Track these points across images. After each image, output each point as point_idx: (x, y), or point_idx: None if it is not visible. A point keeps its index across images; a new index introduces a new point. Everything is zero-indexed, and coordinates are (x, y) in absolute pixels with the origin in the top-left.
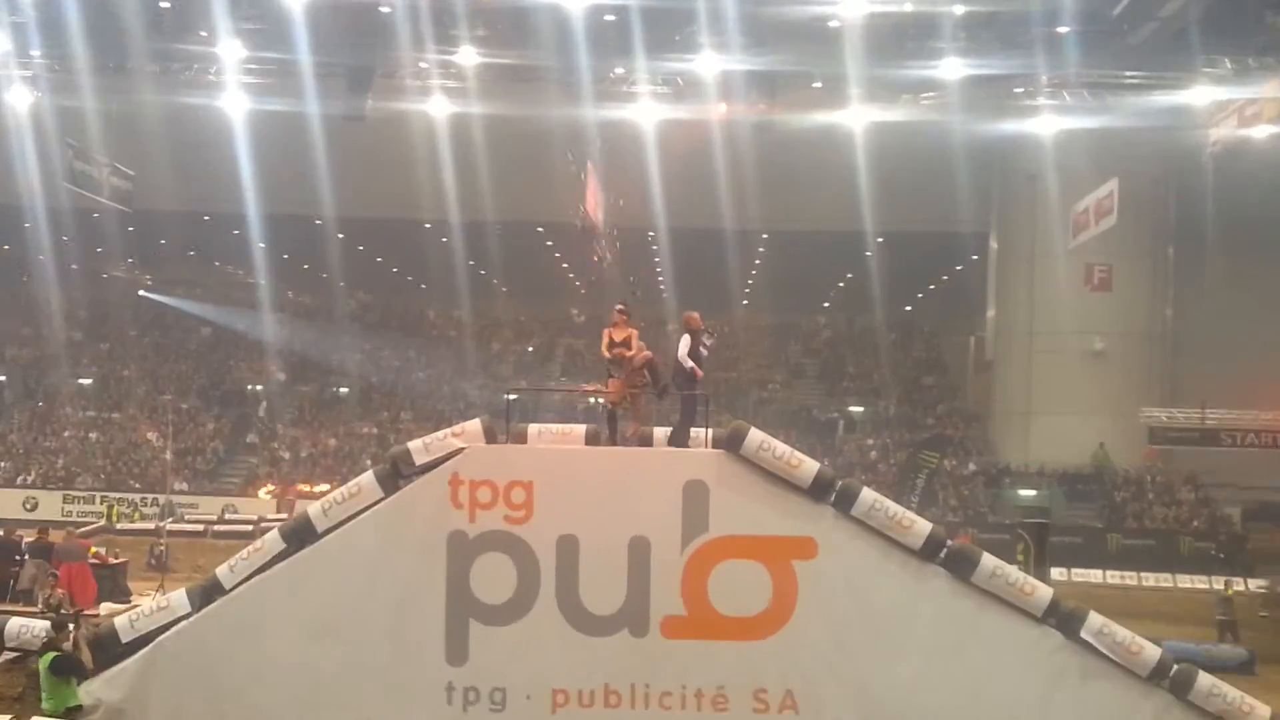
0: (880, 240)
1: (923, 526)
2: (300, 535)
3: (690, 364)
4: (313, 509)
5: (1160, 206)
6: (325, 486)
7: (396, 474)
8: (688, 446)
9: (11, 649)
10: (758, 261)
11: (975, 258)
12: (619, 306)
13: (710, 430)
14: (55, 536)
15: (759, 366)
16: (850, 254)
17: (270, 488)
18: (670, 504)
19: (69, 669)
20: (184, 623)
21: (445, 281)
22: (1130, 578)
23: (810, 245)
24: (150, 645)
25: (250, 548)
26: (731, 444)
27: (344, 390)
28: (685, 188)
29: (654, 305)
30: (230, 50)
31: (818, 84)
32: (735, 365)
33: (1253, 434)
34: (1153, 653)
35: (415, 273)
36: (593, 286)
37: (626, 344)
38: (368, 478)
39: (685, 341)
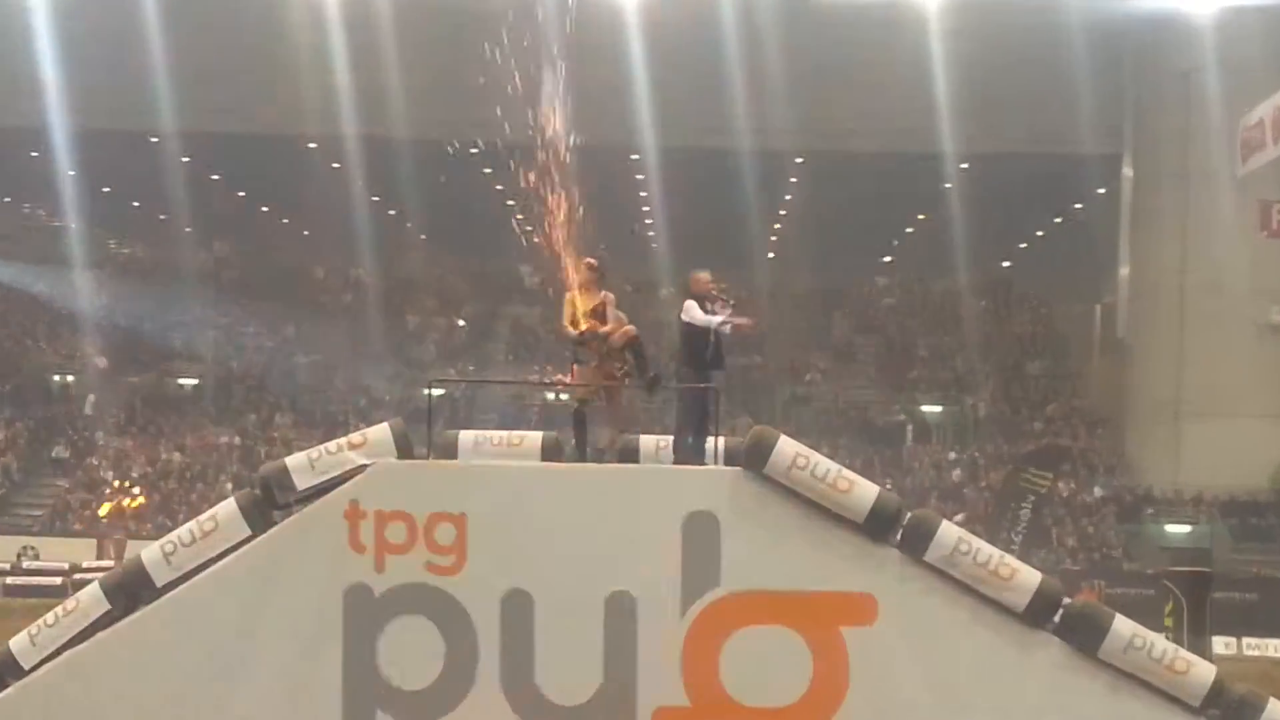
0: (965, 167)
1: (1028, 578)
2: (132, 592)
3: (708, 334)
4: (149, 554)
5: None
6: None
7: (269, 504)
8: (692, 463)
9: None
10: (789, 198)
11: (1102, 192)
12: (589, 261)
13: (722, 439)
14: None
15: (792, 348)
16: (923, 186)
17: (108, 509)
18: (665, 546)
19: None
20: None
21: (338, 226)
22: None
23: (866, 174)
24: None
25: (59, 609)
26: (753, 459)
27: (192, 382)
28: (685, 90)
29: (640, 260)
30: None
31: None
32: (758, 347)
33: None
34: None
35: (295, 213)
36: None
37: (600, 315)
38: (228, 509)
39: (689, 310)
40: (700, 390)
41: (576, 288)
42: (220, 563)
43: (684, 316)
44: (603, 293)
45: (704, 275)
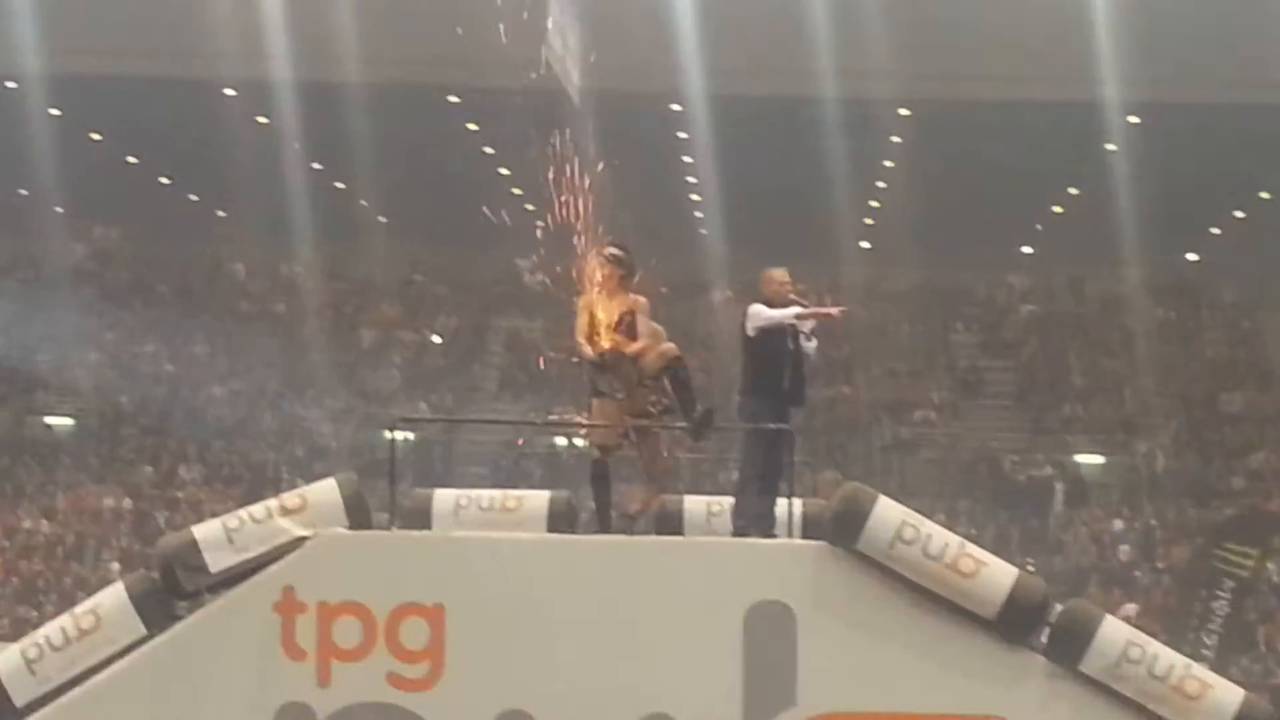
0: (1135, 121)
1: (1225, 697)
2: None
3: (782, 353)
4: (6, 662)
5: None
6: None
7: (171, 592)
8: (759, 534)
9: None
10: (889, 165)
11: None
12: (611, 251)
13: (799, 502)
14: None
15: (895, 375)
16: (1076, 148)
17: None
18: (720, 651)
19: None
20: None
21: (267, 205)
22: None
23: (995, 131)
24: None
25: None
26: (842, 530)
27: (66, 423)
28: (744, 19)
29: (682, 252)
30: None
31: None
32: (847, 373)
33: None
34: None
35: (206, 188)
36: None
37: (629, 328)
38: (115, 600)
39: (756, 315)
40: (771, 433)
41: (595, 291)
42: (104, 673)
43: (748, 326)
44: (631, 297)
45: (778, 273)
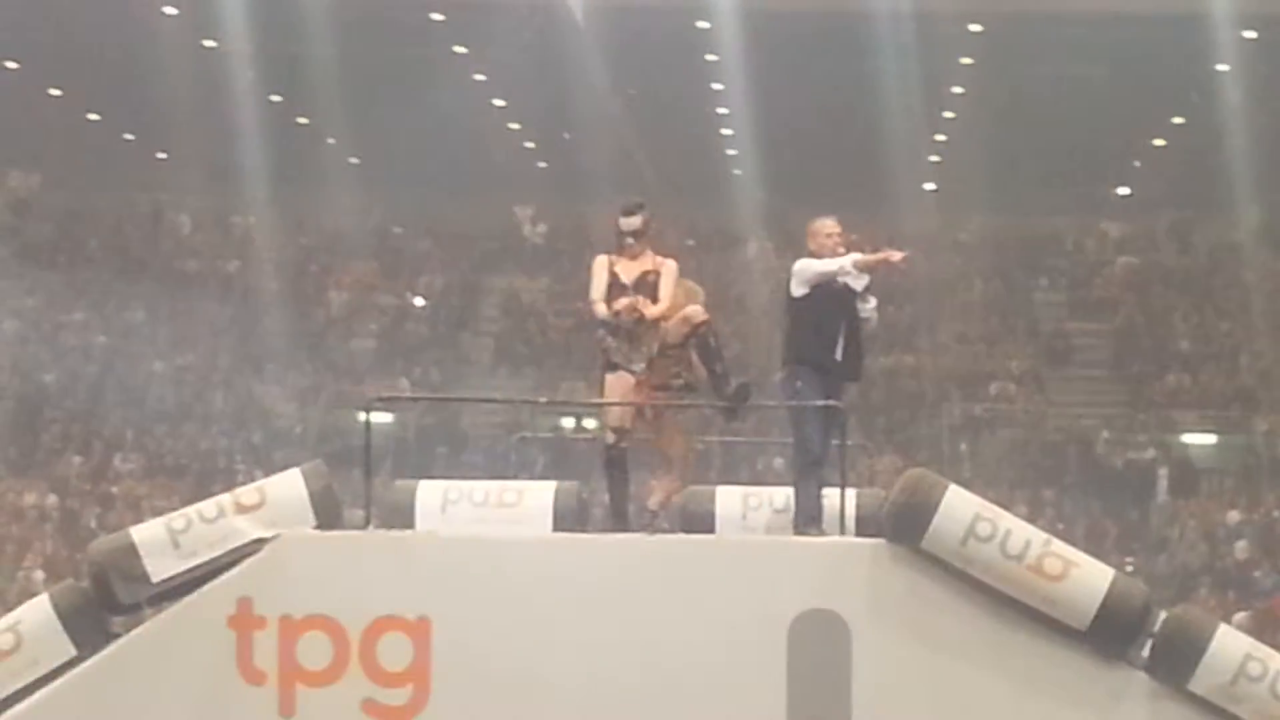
0: (1251, 36)
1: None
2: None
3: (836, 318)
4: None
5: None
6: None
7: (106, 605)
8: (811, 531)
9: None
10: (959, 91)
11: None
12: (625, 221)
13: (850, 493)
14: None
15: (966, 341)
16: (1181, 70)
17: None
18: (760, 669)
19: None
20: None
21: (216, 146)
22: None
23: (1085, 49)
24: None
25: None
26: (904, 524)
27: None
28: None
29: (712, 198)
30: None
31: None
32: (910, 339)
33: None
34: None
35: (143, 126)
36: (561, 151)
37: (650, 289)
38: (38, 615)
39: (803, 270)
40: (820, 412)
41: (616, 247)
42: (25, 703)
43: (793, 285)
44: (656, 258)
45: (827, 223)
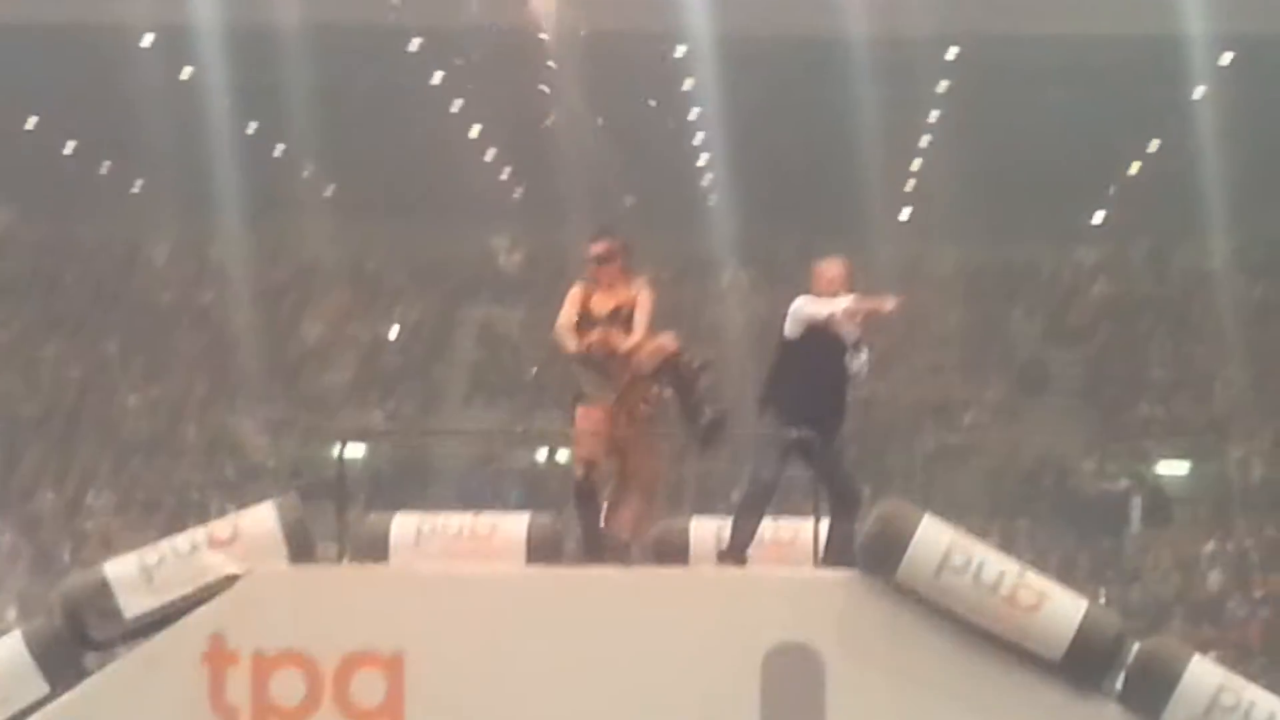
0: (1228, 60)
1: None
2: None
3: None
4: None
5: None
6: None
7: (77, 642)
8: (733, 561)
9: None
10: (934, 117)
11: None
12: (599, 246)
13: (822, 524)
14: None
15: (940, 371)
16: (1158, 95)
17: None
18: (733, 702)
19: None
20: None
21: (191, 175)
22: None
23: (1062, 74)
24: None
25: None
26: (877, 556)
27: None
28: None
29: (687, 226)
30: None
31: None
32: (884, 369)
33: None
34: None
35: (119, 155)
36: (537, 180)
37: (622, 319)
38: (11, 651)
39: (798, 311)
40: (789, 448)
41: (586, 277)
42: None
43: (789, 324)
44: (632, 289)
45: (830, 266)
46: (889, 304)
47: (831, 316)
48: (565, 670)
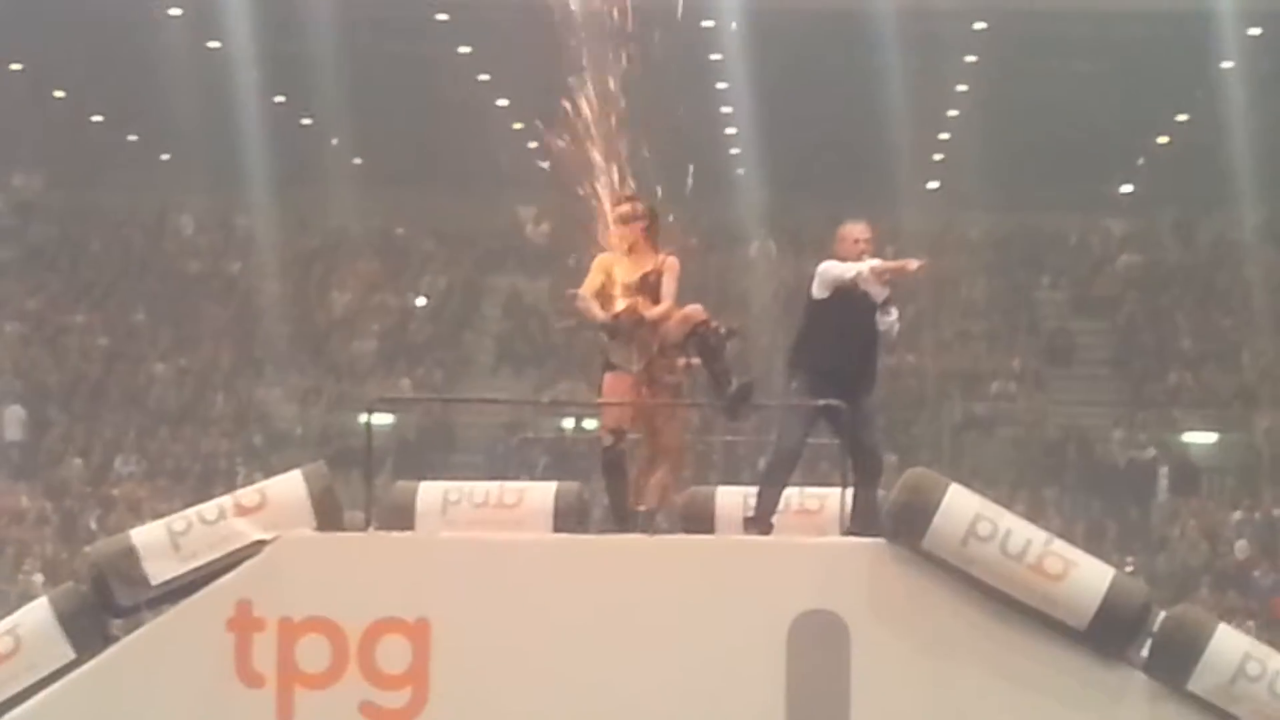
0: (1256, 34)
1: None
2: None
3: (862, 325)
4: None
5: None
6: None
7: (105, 608)
8: (757, 530)
9: None
10: (963, 89)
11: None
12: (624, 206)
13: (849, 492)
14: None
15: (968, 340)
16: (1185, 68)
17: None
18: (759, 669)
19: None
20: None
21: (218, 146)
22: None
23: (1090, 46)
24: None
25: None
26: (904, 524)
27: None
28: None
29: (715, 196)
30: None
31: None
32: (912, 338)
33: None
34: None
35: (146, 127)
36: (564, 155)
37: (652, 289)
38: (37, 618)
39: (826, 273)
40: (818, 414)
41: (612, 245)
42: (25, 705)
43: (814, 287)
44: (660, 256)
45: (855, 228)
46: (914, 264)
47: (859, 275)
48: (591, 638)
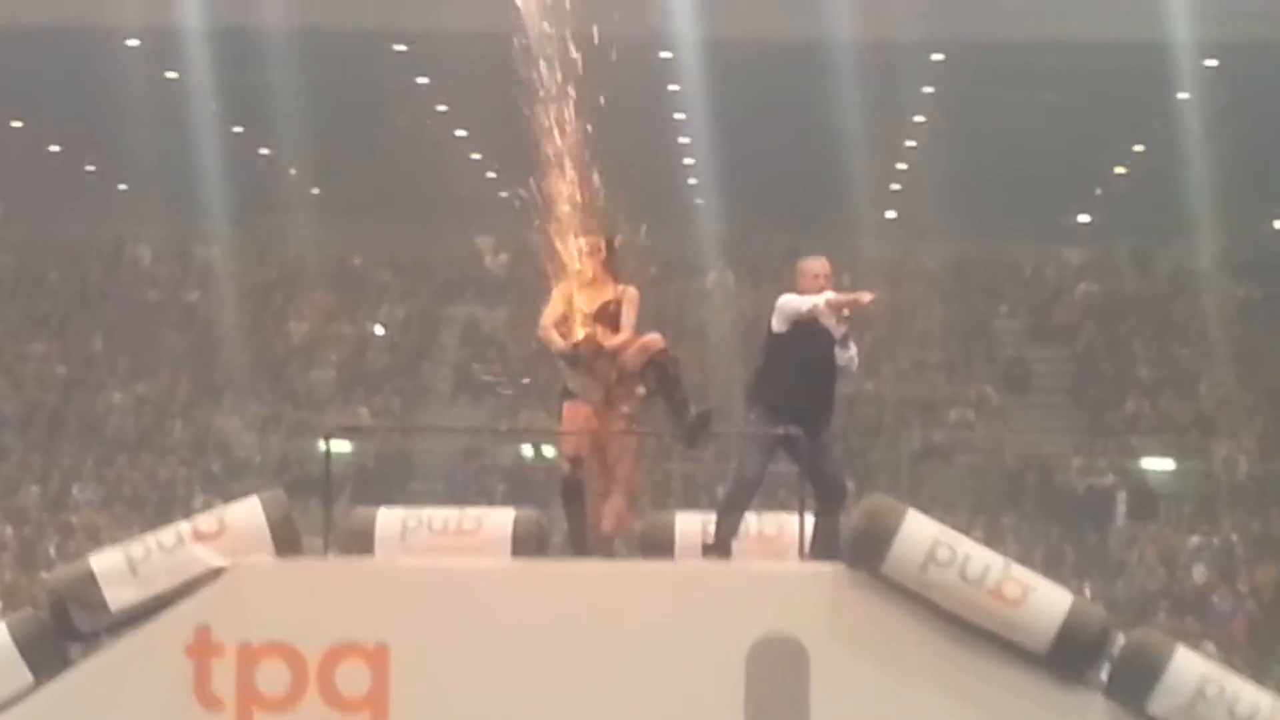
0: (1212, 65)
1: None
2: None
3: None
4: None
5: None
6: None
7: (63, 633)
8: (716, 558)
9: None
10: (920, 120)
11: None
12: (587, 241)
13: (808, 518)
14: None
15: (926, 369)
16: (1142, 99)
17: None
18: (718, 694)
19: None
20: None
21: (178, 177)
22: None
23: (1046, 79)
24: None
25: None
26: (864, 550)
27: None
28: None
29: (673, 226)
30: None
31: None
32: (870, 367)
33: None
34: None
35: (105, 157)
36: (522, 182)
37: (611, 318)
38: None
39: (784, 307)
40: (776, 444)
41: (573, 275)
42: None
43: (775, 320)
44: (620, 286)
45: (814, 264)
46: (866, 297)
47: (815, 309)
48: (550, 663)
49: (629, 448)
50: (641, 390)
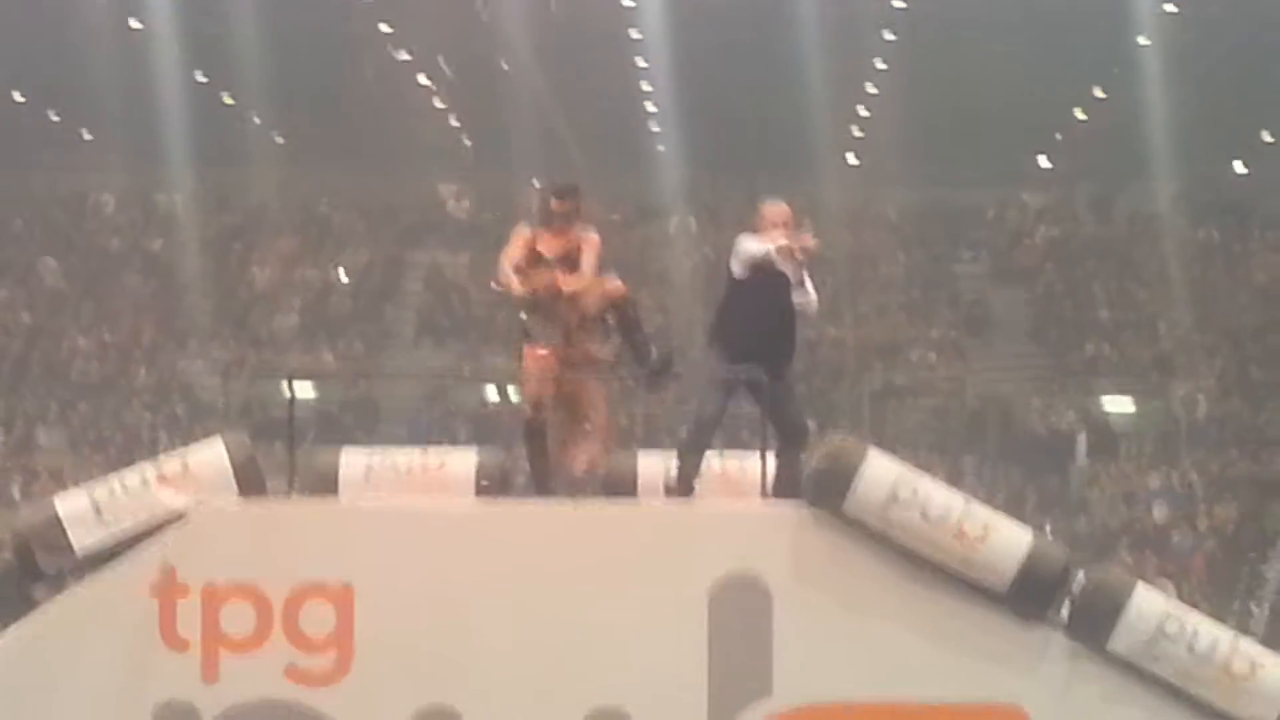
0: (1172, 10)
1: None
2: None
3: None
4: None
5: None
6: None
7: (28, 575)
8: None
9: None
10: (882, 66)
11: None
12: (561, 193)
13: (772, 458)
14: None
15: (887, 311)
16: (1103, 44)
17: None
18: (681, 634)
19: None
20: None
21: (141, 124)
22: None
23: (1007, 23)
24: None
25: None
26: (825, 489)
27: None
28: None
29: (636, 172)
30: None
31: None
32: (832, 310)
33: None
34: None
35: (67, 105)
36: (485, 128)
37: (570, 262)
38: None
39: (739, 250)
40: (736, 386)
41: (536, 222)
42: None
43: (734, 264)
44: (578, 231)
45: (774, 208)
46: (809, 240)
47: (768, 253)
48: (513, 603)
49: (598, 390)
50: (605, 332)
